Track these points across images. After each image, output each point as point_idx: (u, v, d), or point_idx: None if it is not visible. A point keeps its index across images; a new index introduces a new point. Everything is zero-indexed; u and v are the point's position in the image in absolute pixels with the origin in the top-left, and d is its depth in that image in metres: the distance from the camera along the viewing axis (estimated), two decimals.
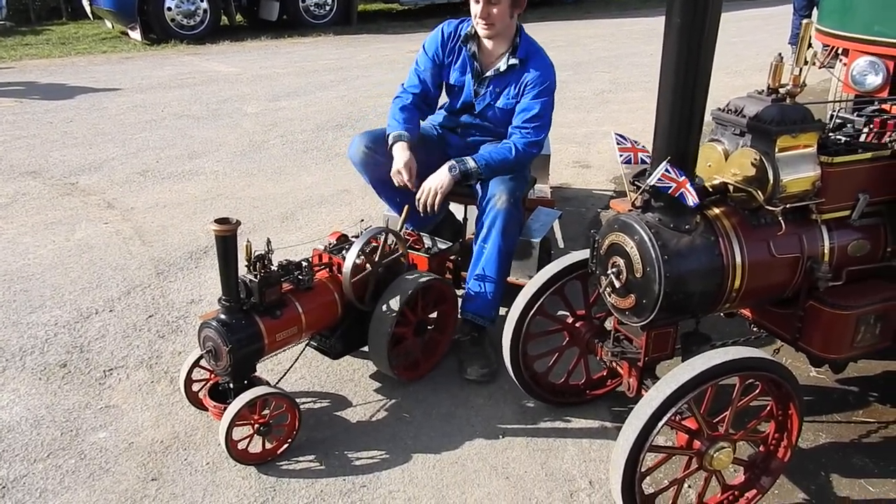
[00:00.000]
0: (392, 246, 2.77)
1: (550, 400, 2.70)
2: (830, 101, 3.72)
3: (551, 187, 4.34)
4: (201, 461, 2.40)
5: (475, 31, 3.00)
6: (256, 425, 2.36)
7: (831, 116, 2.41)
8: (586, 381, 2.73)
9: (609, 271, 2.18)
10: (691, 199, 1.95)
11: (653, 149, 2.05)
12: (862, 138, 2.39)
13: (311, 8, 11.50)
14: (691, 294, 2.09)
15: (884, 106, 2.55)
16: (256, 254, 2.41)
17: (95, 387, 2.77)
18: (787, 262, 2.19)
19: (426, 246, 3.04)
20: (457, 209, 3.43)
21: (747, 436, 2.12)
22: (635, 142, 2.16)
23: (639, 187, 2.08)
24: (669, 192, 1.94)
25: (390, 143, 2.99)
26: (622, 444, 1.91)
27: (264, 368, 2.74)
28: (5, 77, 8.06)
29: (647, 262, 2.04)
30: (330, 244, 2.80)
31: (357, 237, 2.70)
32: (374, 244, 2.71)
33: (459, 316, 2.97)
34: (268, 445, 2.41)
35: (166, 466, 2.38)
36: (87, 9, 10.66)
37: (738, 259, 2.12)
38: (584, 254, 2.46)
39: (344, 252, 2.68)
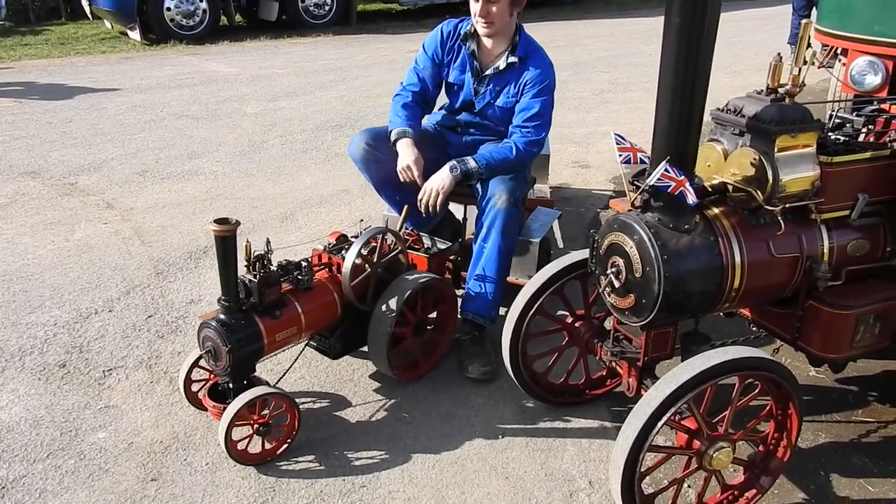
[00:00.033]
0: (391, 246, 2.77)
1: (550, 400, 2.70)
2: (830, 101, 3.73)
3: (551, 187, 4.34)
4: (201, 461, 2.40)
5: (475, 30, 3.00)
6: (256, 425, 2.36)
7: (830, 116, 2.41)
8: (586, 380, 2.73)
9: (608, 271, 2.18)
10: (691, 196, 1.95)
11: (652, 149, 2.05)
12: (861, 138, 2.39)
13: (311, 8, 11.49)
14: (691, 294, 2.09)
15: (883, 106, 2.55)
16: (256, 254, 2.41)
17: (95, 387, 2.77)
18: (786, 262, 2.19)
19: (426, 246, 3.04)
20: (456, 209, 3.44)
21: (747, 435, 2.12)
22: (632, 143, 2.17)
23: (638, 187, 2.08)
24: (669, 190, 1.94)
25: (394, 138, 2.99)
26: (622, 443, 1.91)
27: (264, 368, 2.74)
28: (4, 77, 8.06)
29: (647, 261, 2.05)
30: (329, 244, 2.80)
31: (356, 237, 2.70)
32: (374, 244, 2.71)
33: (459, 315, 2.97)
34: (267, 445, 2.41)
35: (166, 467, 2.38)
36: (87, 9, 10.66)
37: (738, 259, 2.12)
38: (583, 254, 2.46)
39: (343, 252, 2.68)
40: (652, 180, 1.95)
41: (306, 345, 2.75)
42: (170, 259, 3.80)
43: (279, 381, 2.67)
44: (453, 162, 2.91)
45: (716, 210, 2.20)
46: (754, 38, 10.81)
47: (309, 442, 2.51)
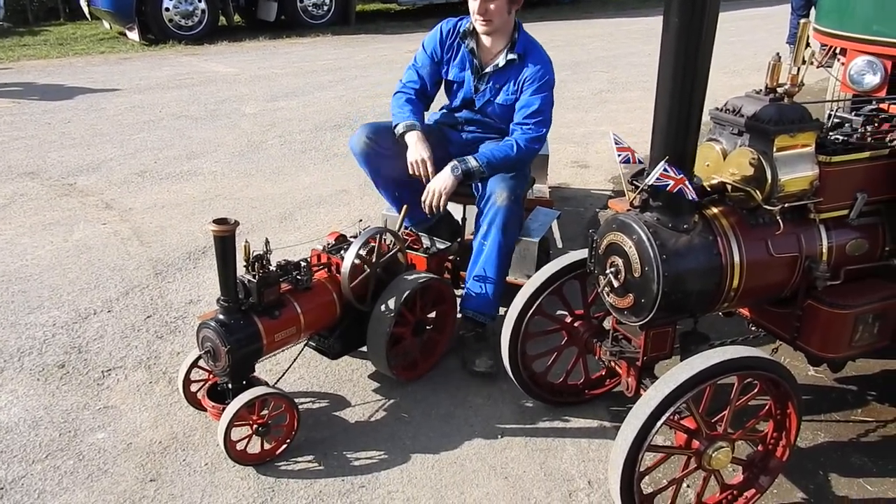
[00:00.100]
0: (390, 246, 2.77)
1: (549, 400, 2.70)
2: (828, 101, 3.73)
3: (550, 187, 4.34)
4: (200, 462, 2.40)
5: (474, 28, 3.01)
6: (255, 426, 2.35)
7: (829, 116, 2.41)
8: (585, 380, 2.73)
9: (607, 271, 2.18)
10: (689, 193, 1.95)
11: (651, 149, 2.05)
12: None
13: (310, 8, 11.49)
14: (689, 293, 2.10)
15: (882, 105, 2.55)
16: (255, 254, 2.41)
17: (94, 387, 2.77)
18: (785, 262, 2.19)
19: (425, 246, 3.04)
20: (456, 209, 3.43)
21: (746, 435, 2.12)
22: (626, 145, 2.18)
23: (637, 187, 2.08)
24: (668, 188, 1.94)
25: (401, 131, 2.99)
26: (621, 443, 1.91)
27: (263, 369, 2.74)
28: (3, 78, 8.05)
29: (646, 261, 2.05)
30: (328, 244, 2.80)
31: (355, 237, 2.70)
32: (373, 244, 2.71)
33: (460, 313, 2.97)
34: (266, 446, 2.41)
35: (165, 467, 2.37)
36: (85, 9, 10.65)
37: (737, 258, 2.12)
38: (582, 253, 2.46)
39: (342, 252, 2.68)
40: (651, 180, 1.95)
41: (305, 345, 2.75)
42: (169, 259, 3.80)
43: (278, 381, 2.67)
44: (454, 162, 2.91)
45: (715, 210, 2.20)
46: (753, 37, 10.81)
47: (308, 442, 2.51)
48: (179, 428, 2.55)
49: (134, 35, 10.05)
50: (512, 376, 2.62)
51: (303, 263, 2.60)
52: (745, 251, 2.13)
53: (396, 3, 13.00)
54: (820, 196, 2.17)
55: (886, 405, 2.72)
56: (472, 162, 2.90)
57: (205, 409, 2.53)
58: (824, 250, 2.23)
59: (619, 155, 2.21)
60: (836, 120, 2.39)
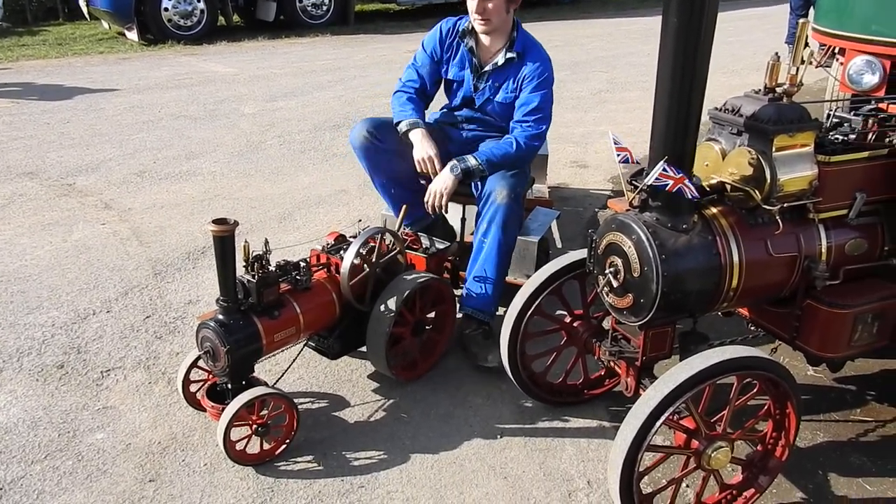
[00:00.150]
0: (390, 246, 2.77)
1: (548, 399, 2.70)
2: (827, 101, 3.73)
3: (549, 187, 4.34)
4: (199, 462, 2.40)
5: (472, 27, 3.01)
6: (255, 426, 2.35)
7: (828, 116, 2.41)
8: (584, 380, 2.73)
9: (607, 271, 2.18)
10: (689, 192, 1.95)
11: (650, 149, 2.05)
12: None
13: (309, 8, 11.49)
14: (689, 293, 2.10)
15: (880, 105, 2.55)
16: (254, 254, 2.41)
17: (93, 388, 2.77)
18: (784, 262, 2.19)
19: (424, 246, 3.04)
20: (456, 208, 3.43)
21: (745, 435, 2.12)
22: (624, 145, 2.18)
23: (636, 187, 2.08)
24: (667, 188, 1.94)
25: (404, 129, 3.00)
26: (620, 443, 1.91)
27: (262, 369, 2.74)
28: (2, 78, 8.04)
29: (645, 261, 2.05)
30: (328, 244, 2.80)
31: (355, 237, 2.70)
32: (372, 244, 2.71)
33: (460, 312, 2.97)
34: (266, 446, 2.41)
35: (164, 467, 2.37)
36: (84, 9, 10.64)
37: (736, 258, 2.12)
38: (581, 253, 2.46)
39: (342, 252, 2.68)
40: (650, 180, 1.95)
41: (305, 345, 2.75)
42: (168, 259, 3.79)
43: (277, 381, 2.67)
44: (453, 161, 2.92)
45: (714, 209, 2.20)
46: (752, 37, 10.82)
47: (307, 442, 2.51)
48: (178, 428, 2.55)
49: (133, 35, 10.05)
50: (511, 376, 2.62)
51: (302, 264, 2.60)
52: (745, 251, 2.13)
53: (395, 3, 13.00)
54: (819, 196, 2.17)
55: (885, 405, 2.72)
56: (471, 161, 2.90)
57: (204, 410, 2.53)
58: (823, 250, 2.23)
59: (618, 155, 2.21)
60: (835, 120, 2.39)
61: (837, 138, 2.26)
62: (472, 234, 3.20)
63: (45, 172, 5.08)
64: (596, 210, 4.55)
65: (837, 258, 2.25)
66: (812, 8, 5.80)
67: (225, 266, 2.31)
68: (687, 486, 2.29)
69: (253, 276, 2.39)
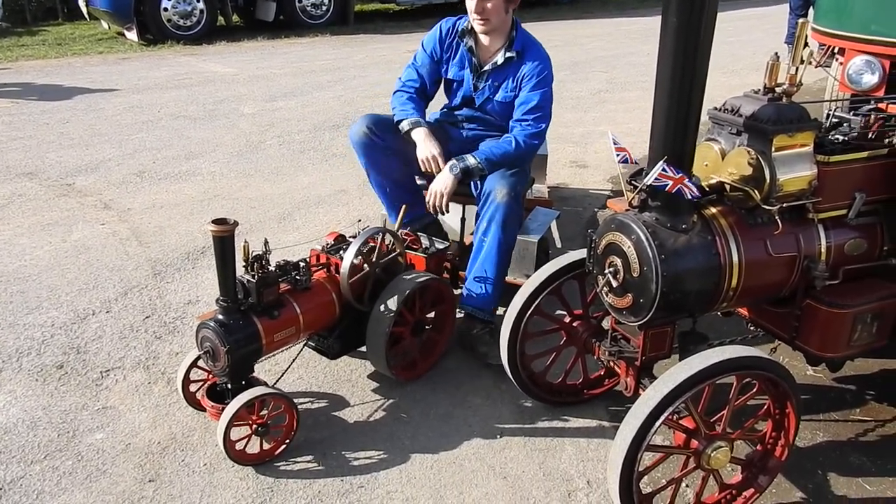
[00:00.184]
0: (390, 246, 2.77)
1: (548, 399, 2.70)
2: (827, 101, 3.73)
3: (549, 187, 4.34)
4: (199, 462, 2.40)
5: (472, 26, 3.01)
6: (254, 426, 2.35)
7: (828, 115, 2.41)
8: (584, 380, 2.73)
9: (606, 271, 2.18)
10: (689, 192, 1.95)
11: (649, 149, 2.05)
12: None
13: (308, 8, 11.48)
14: (688, 293, 2.10)
15: (880, 105, 2.55)
16: (254, 254, 2.41)
17: (92, 388, 2.77)
18: (783, 261, 2.19)
19: (424, 246, 3.04)
20: (455, 208, 3.43)
21: (745, 435, 2.12)
22: (623, 146, 2.18)
23: (636, 187, 2.09)
24: (667, 188, 1.95)
25: (406, 128, 3.01)
26: (620, 443, 1.91)
27: (262, 369, 2.74)
28: (1, 78, 8.04)
29: (644, 261, 2.05)
30: (327, 244, 2.80)
31: (355, 237, 2.70)
32: (372, 244, 2.71)
33: (461, 311, 2.97)
34: (266, 446, 2.41)
35: (164, 468, 2.37)
36: (84, 9, 10.64)
37: (735, 258, 2.12)
38: (581, 253, 2.46)
39: (341, 252, 2.68)
40: (649, 180, 1.95)
41: (304, 345, 2.75)
42: (167, 260, 3.79)
43: (277, 381, 2.67)
44: (452, 161, 2.92)
45: (713, 209, 2.20)
46: (751, 37, 10.82)
47: (307, 442, 2.51)
48: (178, 428, 2.55)
49: (132, 35, 10.04)
50: (511, 376, 2.62)
51: (302, 264, 2.60)
52: (744, 251, 2.13)
53: (395, 2, 13.01)
54: (818, 196, 2.17)
55: (885, 404, 2.72)
56: (470, 160, 2.91)
57: (204, 410, 2.53)
58: (823, 250, 2.23)
59: (618, 155, 2.21)
60: (834, 119, 2.39)
61: (837, 138, 2.26)
62: (471, 233, 3.20)
63: (45, 172, 5.08)
64: (595, 210, 4.55)
65: (837, 258, 2.26)
66: (811, 8, 5.80)
67: (225, 266, 2.31)
68: (686, 485, 2.29)
69: (253, 276, 2.39)
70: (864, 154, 2.21)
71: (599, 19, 13.36)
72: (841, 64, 4.58)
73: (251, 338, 2.38)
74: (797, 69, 2.08)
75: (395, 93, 3.16)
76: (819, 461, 2.44)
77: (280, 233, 4.14)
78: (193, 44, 10.18)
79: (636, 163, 2.18)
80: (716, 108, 2.26)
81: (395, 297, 2.61)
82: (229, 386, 2.43)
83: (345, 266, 2.59)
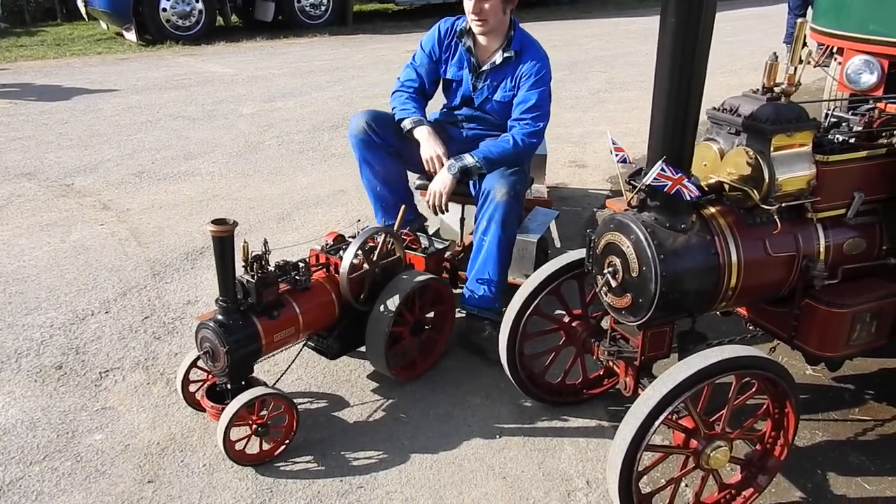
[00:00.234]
0: (389, 246, 2.77)
1: (547, 399, 2.70)
2: (825, 100, 3.73)
3: (548, 187, 4.34)
4: (198, 463, 2.40)
5: (470, 27, 3.02)
6: (254, 426, 2.35)
7: (826, 115, 2.42)
8: (583, 380, 2.73)
9: (605, 271, 2.18)
10: (688, 193, 1.95)
11: (648, 149, 2.05)
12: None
13: (307, 8, 11.48)
14: (687, 293, 2.10)
15: (879, 104, 2.55)
16: (253, 254, 2.41)
17: (91, 389, 2.77)
18: (782, 261, 2.19)
19: (423, 246, 3.04)
20: (455, 208, 3.43)
21: (744, 434, 2.12)
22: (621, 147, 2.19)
23: (635, 187, 2.09)
24: (666, 189, 1.95)
25: (409, 127, 3.02)
26: (619, 443, 1.91)
27: (261, 369, 2.74)
28: (0, 79, 8.03)
29: (644, 261, 2.05)
30: (327, 244, 2.80)
31: (354, 237, 2.70)
32: (371, 244, 2.71)
33: (464, 311, 2.97)
34: (265, 446, 2.41)
35: (163, 468, 2.37)
36: (82, 10, 10.62)
37: (734, 258, 2.12)
38: (580, 253, 2.46)
39: (341, 252, 2.68)
40: (648, 180, 1.96)
41: (304, 345, 2.75)
42: (166, 260, 3.79)
43: (277, 381, 2.67)
44: (450, 161, 2.93)
45: (712, 209, 2.20)
46: (750, 37, 10.83)
47: (306, 442, 2.50)
48: (177, 429, 2.55)
49: (131, 35, 10.04)
50: (510, 376, 2.62)
51: (301, 264, 2.60)
52: (743, 250, 2.13)
53: (394, 3, 13.00)
54: (817, 195, 2.17)
55: (884, 404, 2.72)
56: (468, 159, 2.91)
57: (203, 410, 2.53)
58: (822, 249, 2.23)
59: (616, 155, 2.21)
60: (833, 119, 2.40)
61: (837, 138, 2.26)
62: (470, 233, 3.20)
63: (44, 173, 5.07)
64: (594, 210, 4.55)
65: (836, 257, 2.26)
66: (810, 7, 5.80)
67: (224, 266, 2.31)
68: (686, 485, 2.29)
69: (252, 277, 2.39)
70: (863, 154, 2.21)
71: (598, 19, 13.36)
72: (839, 64, 4.58)
73: (251, 338, 2.38)
74: (796, 69, 2.09)
75: (394, 93, 3.16)
76: (818, 460, 2.45)
77: (279, 233, 4.14)
78: (192, 44, 10.17)
79: (633, 164, 2.18)
80: (714, 108, 2.26)
81: (395, 297, 2.61)
82: (229, 386, 2.43)
83: (344, 266, 2.59)
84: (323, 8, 11.63)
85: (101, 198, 4.65)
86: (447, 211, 3.01)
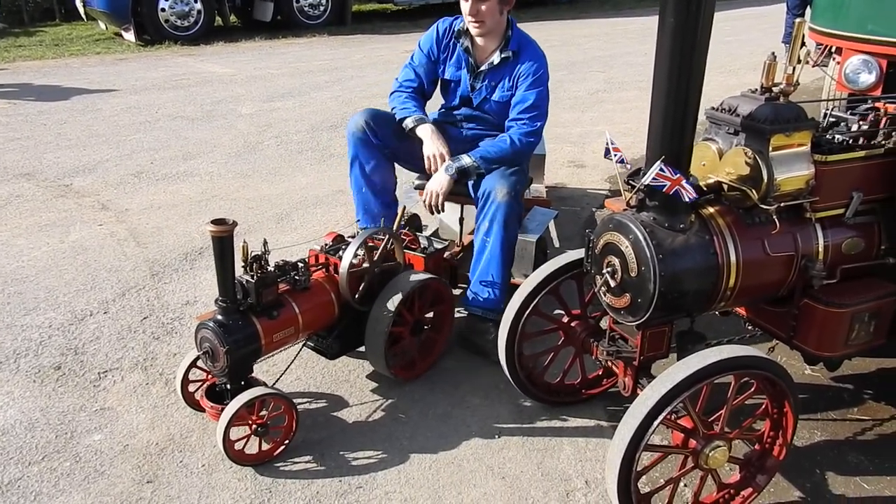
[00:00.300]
0: (388, 246, 2.77)
1: (546, 399, 2.70)
2: (824, 100, 3.74)
3: (547, 187, 4.34)
4: (197, 463, 2.40)
5: (468, 27, 3.02)
6: (254, 426, 2.35)
7: (825, 115, 2.42)
8: (582, 380, 2.73)
9: (604, 271, 2.19)
10: (686, 194, 1.95)
11: (647, 149, 2.05)
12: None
13: (306, 8, 11.48)
14: (686, 293, 2.10)
15: (877, 104, 2.55)
16: (253, 254, 2.41)
17: (90, 389, 2.77)
18: (781, 261, 2.19)
19: (422, 246, 3.04)
20: (454, 209, 3.43)
21: (742, 434, 2.12)
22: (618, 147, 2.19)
23: (633, 187, 2.09)
24: (664, 189, 1.95)
25: (411, 125, 3.02)
26: (618, 443, 1.91)
27: (260, 369, 2.74)
28: None
29: (642, 261, 2.05)
30: (326, 244, 2.80)
31: (353, 237, 2.70)
32: (371, 244, 2.71)
33: (467, 312, 2.97)
34: (265, 446, 2.41)
35: (162, 469, 2.37)
36: (81, 10, 10.62)
37: (733, 258, 2.13)
38: (579, 253, 2.46)
39: (340, 252, 2.68)
40: (647, 180, 1.96)
41: (303, 345, 2.75)
42: (165, 260, 3.79)
43: (276, 381, 2.67)
44: (448, 161, 2.93)
45: (711, 209, 2.20)
46: (749, 36, 10.83)
47: (306, 443, 2.50)
48: (176, 429, 2.55)
49: (130, 36, 10.03)
50: (509, 376, 2.62)
51: (301, 264, 2.60)
52: (742, 250, 2.13)
53: (392, 2, 13.01)
54: (816, 195, 2.17)
55: (883, 403, 2.72)
56: (465, 159, 2.92)
57: (203, 410, 2.53)
58: (820, 249, 2.23)
59: (615, 155, 2.21)
60: (831, 119, 2.40)
61: (836, 138, 2.26)
62: (470, 233, 3.20)
63: (42, 173, 5.07)
64: (593, 210, 4.56)
65: (834, 257, 2.26)
66: (809, 7, 5.81)
67: (224, 266, 2.31)
68: (685, 485, 2.29)
69: (252, 277, 2.39)
70: (862, 153, 2.21)
71: (597, 19, 13.36)
72: (838, 63, 4.58)
73: (250, 338, 2.38)
74: (794, 69, 2.09)
75: (392, 93, 3.16)
76: (817, 460, 2.45)
77: (278, 233, 4.14)
78: (191, 44, 10.17)
79: (629, 166, 2.19)
80: (713, 108, 2.26)
81: (395, 297, 2.61)
82: (228, 386, 2.43)
83: (344, 266, 2.59)
84: (322, 8, 11.64)
85: (99, 198, 4.65)
86: (443, 211, 3.02)
